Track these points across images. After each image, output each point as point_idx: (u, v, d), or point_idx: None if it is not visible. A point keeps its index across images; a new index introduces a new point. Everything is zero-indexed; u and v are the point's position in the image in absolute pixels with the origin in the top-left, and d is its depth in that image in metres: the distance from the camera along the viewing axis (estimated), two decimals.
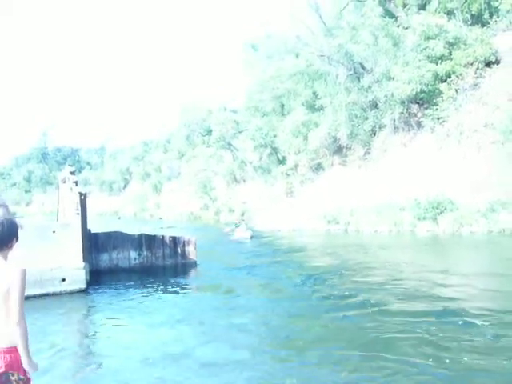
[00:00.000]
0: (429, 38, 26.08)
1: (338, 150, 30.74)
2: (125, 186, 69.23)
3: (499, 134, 21.91)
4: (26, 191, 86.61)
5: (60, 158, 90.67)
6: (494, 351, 6.15)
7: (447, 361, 5.89)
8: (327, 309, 8.70)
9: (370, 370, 5.76)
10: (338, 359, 6.15)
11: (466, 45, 25.46)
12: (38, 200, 77.26)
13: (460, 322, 7.39)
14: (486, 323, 7.27)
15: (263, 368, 5.98)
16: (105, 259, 13.73)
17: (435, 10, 28.15)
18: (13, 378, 2.84)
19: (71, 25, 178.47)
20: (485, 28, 26.15)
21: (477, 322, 7.39)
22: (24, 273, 2.90)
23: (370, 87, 28.14)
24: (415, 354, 6.19)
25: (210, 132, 46.42)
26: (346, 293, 9.79)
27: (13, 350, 2.86)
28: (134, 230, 16.40)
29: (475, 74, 24.54)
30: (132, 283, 12.09)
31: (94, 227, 14.04)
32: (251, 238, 21.78)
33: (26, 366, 2.94)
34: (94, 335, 8.04)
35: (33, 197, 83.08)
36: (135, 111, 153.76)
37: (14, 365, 2.85)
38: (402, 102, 26.41)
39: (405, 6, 31.17)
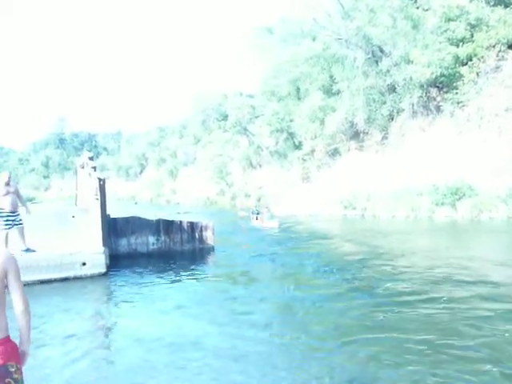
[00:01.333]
0: (450, 20, 25.47)
1: (355, 134, 30.43)
2: (141, 172, 69.74)
3: None
4: (45, 176, 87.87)
5: (77, 144, 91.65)
6: None
7: (497, 355, 5.37)
8: (355, 299, 8.22)
9: (401, 368, 5.21)
10: (368, 354, 5.71)
11: (488, 26, 24.81)
12: (57, 185, 78.36)
13: (505, 313, 6.98)
14: None
15: (281, 361, 5.66)
16: (123, 244, 13.84)
17: None
18: (12, 370, 2.66)
19: (89, 12, 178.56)
20: (508, 9, 25.35)
21: None
22: (16, 259, 2.81)
23: (388, 71, 27.68)
24: (464, 350, 5.63)
25: (225, 117, 46.32)
26: (376, 282, 9.34)
27: (5, 341, 2.70)
28: (150, 215, 16.47)
29: (497, 56, 23.98)
30: (150, 268, 12.18)
31: (112, 212, 14.15)
32: (279, 226, 21.07)
33: (27, 352, 2.85)
34: (111, 318, 8.10)
35: (51, 182, 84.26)
36: (149, 97, 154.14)
37: (11, 355, 2.69)
38: (421, 86, 25.95)
39: None
